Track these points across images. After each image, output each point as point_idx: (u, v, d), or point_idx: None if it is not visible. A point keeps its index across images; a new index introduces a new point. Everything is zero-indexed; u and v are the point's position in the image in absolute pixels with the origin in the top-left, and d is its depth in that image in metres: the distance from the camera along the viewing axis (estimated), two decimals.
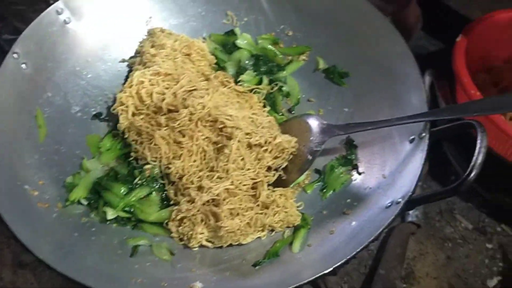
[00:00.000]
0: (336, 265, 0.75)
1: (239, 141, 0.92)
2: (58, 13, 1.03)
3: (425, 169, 1.22)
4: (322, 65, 1.14)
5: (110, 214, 0.91)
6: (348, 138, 1.03)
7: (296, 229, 0.94)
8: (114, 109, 1.00)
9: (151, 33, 1.12)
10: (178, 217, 0.92)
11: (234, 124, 0.93)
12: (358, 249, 0.76)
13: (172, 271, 0.88)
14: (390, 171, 0.92)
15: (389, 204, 0.83)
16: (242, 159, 0.92)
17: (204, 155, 0.94)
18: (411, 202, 0.80)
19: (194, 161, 0.93)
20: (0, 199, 0.80)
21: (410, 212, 1.19)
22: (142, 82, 0.99)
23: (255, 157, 0.94)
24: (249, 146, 0.94)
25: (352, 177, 0.99)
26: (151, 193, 0.95)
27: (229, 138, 0.93)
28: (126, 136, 0.99)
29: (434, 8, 1.47)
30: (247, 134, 0.94)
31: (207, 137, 0.95)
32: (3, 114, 0.91)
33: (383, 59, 1.03)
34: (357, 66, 1.09)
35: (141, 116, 0.98)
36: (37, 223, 0.84)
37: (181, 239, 0.92)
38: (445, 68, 1.16)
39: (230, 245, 0.92)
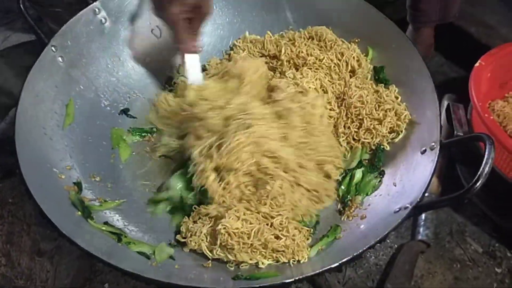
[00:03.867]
0: (342, 261, 0.77)
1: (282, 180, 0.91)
2: (96, 13, 1.06)
3: (438, 190, 1.23)
4: None
5: None
6: None
7: None
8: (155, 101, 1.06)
9: None
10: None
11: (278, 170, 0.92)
12: (365, 248, 0.77)
13: None
14: (401, 180, 0.93)
15: (397, 210, 0.84)
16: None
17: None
18: (418, 208, 0.81)
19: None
20: (31, 179, 0.81)
21: (421, 230, 1.19)
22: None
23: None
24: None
25: None
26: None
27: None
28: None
29: (455, 36, 1.49)
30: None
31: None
32: (39, 101, 0.93)
33: (401, 74, 1.06)
34: None
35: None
36: (61, 203, 0.86)
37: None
38: (463, 94, 1.17)
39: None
